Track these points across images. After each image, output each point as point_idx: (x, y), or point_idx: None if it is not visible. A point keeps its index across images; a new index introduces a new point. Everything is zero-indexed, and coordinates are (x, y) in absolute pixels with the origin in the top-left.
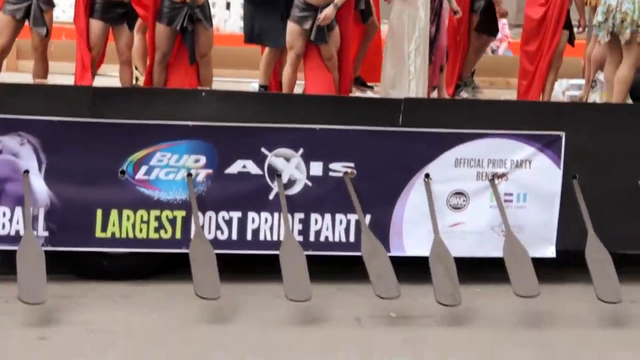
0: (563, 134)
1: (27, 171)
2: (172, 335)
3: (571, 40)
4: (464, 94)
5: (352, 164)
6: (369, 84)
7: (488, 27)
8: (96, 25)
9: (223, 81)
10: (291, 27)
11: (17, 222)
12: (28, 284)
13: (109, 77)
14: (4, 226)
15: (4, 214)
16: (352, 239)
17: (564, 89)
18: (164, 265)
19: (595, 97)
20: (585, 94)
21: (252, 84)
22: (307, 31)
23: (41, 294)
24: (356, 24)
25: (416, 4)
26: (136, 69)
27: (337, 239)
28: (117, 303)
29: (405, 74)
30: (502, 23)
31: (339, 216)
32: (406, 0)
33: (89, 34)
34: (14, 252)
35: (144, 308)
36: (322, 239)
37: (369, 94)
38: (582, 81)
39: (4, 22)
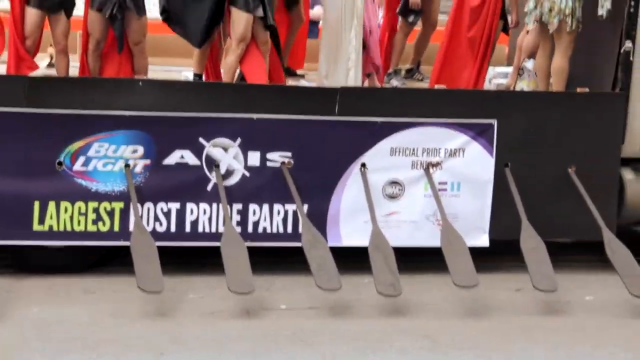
0: (495, 122)
1: None
2: (118, 329)
3: (505, 29)
4: (394, 82)
5: (289, 154)
6: (297, 72)
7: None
8: (33, 13)
9: (153, 70)
10: (244, 16)
11: None
12: None
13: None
14: None
15: None
16: (290, 229)
17: (490, 77)
18: (103, 258)
19: (522, 86)
20: (512, 82)
21: (183, 73)
22: (259, 19)
23: None
24: (281, 13)
25: None
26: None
27: (275, 230)
28: (61, 296)
29: (342, 62)
30: None
31: (277, 206)
32: None
33: (24, 23)
34: None
35: (87, 301)
36: (260, 230)
37: (302, 82)
38: (507, 69)
39: None
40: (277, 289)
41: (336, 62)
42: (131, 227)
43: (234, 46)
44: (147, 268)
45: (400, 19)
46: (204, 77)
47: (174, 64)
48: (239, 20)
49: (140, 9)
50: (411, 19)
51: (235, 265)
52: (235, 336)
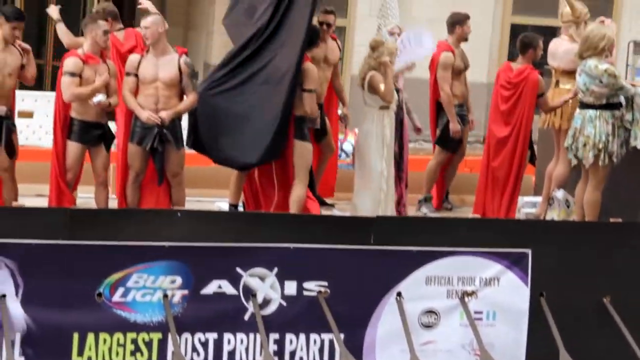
0: (530, 252)
1: (3, 295)
2: None
3: (532, 159)
4: (424, 210)
5: (325, 283)
6: (327, 201)
7: (449, 143)
8: (74, 146)
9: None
10: (309, 146)
11: None
12: None
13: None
14: None
15: None
16: (326, 359)
17: (519, 206)
18: None
19: (553, 215)
20: (542, 212)
21: (216, 203)
22: None
23: None
24: (312, 143)
25: (382, 123)
26: None
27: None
28: None
29: (375, 192)
30: None
31: (313, 336)
32: (373, 120)
33: (65, 156)
34: None
35: None
36: (296, 359)
37: (334, 212)
38: (536, 198)
39: None
40: None
41: (372, 192)
42: (169, 358)
43: (302, 177)
44: None
45: (437, 147)
46: (241, 207)
47: (205, 195)
48: (307, 152)
49: (179, 141)
50: (451, 148)
51: None
52: None
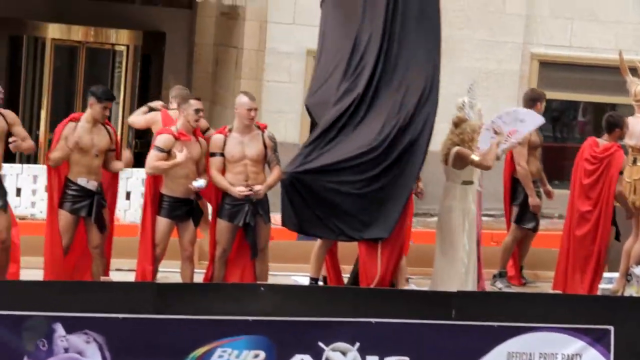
0: (612, 329)
1: None
2: None
3: (617, 236)
4: (499, 285)
5: (407, 358)
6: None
7: (528, 220)
8: (163, 222)
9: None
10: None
11: None
12: None
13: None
14: None
15: None
16: None
17: None
18: None
19: (631, 292)
20: (619, 287)
21: (292, 278)
22: None
23: None
24: None
25: (466, 199)
26: None
27: None
28: None
29: (457, 267)
30: None
31: None
32: (455, 196)
33: (154, 231)
34: None
35: None
36: None
37: (411, 286)
38: (612, 274)
39: (66, 220)
40: None
41: (452, 267)
42: None
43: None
44: None
45: (513, 225)
46: (322, 281)
47: (280, 270)
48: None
49: (268, 214)
50: (531, 225)
51: None
52: None
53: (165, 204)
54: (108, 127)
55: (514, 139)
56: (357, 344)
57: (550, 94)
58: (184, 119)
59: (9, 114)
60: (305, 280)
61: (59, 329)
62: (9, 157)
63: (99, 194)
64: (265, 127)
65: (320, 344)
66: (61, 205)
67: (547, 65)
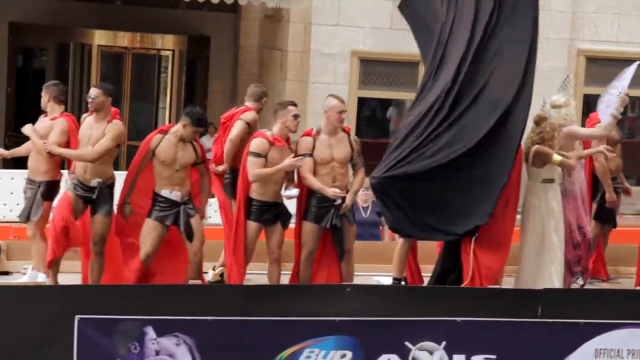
0: None
1: None
2: None
3: None
4: (580, 282)
5: (494, 356)
6: None
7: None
8: (252, 226)
9: None
10: None
11: None
12: None
13: None
14: None
15: None
16: None
17: None
18: None
19: None
20: None
21: (374, 278)
22: None
23: None
24: None
25: (547, 197)
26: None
27: None
28: None
29: (545, 265)
30: None
31: None
32: (537, 195)
33: (246, 235)
34: None
35: None
36: None
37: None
38: None
39: (151, 227)
40: None
41: (540, 265)
42: None
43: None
44: None
45: (594, 222)
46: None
47: (361, 270)
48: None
49: (353, 215)
50: (610, 222)
51: None
52: None
53: (254, 208)
54: (195, 143)
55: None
56: (444, 343)
57: (598, 90)
58: (281, 125)
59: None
60: (387, 280)
61: (150, 332)
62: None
63: (185, 203)
64: (350, 129)
65: (407, 343)
66: (149, 215)
67: (594, 61)
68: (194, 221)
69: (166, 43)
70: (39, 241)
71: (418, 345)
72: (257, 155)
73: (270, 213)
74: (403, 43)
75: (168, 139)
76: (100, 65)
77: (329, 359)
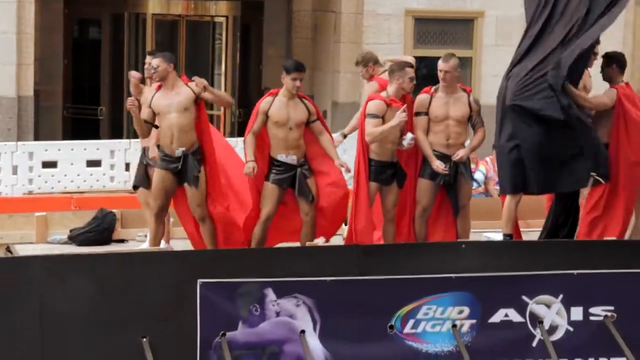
0: None
1: (303, 331)
2: None
3: None
4: None
5: (611, 308)
6: None
7: None
8: (371, 186)
9: None
10: None
11: None
12: None
13: None
14: None
15: None
16: None
17: None
18: None
19: None
20: None
21: (484, 234)
22: None
23: None
24: None
25: None
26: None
27: None
28: None
29: None
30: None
31: None
32: None
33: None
34: None
35: None
36: None
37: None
38: None
39: (270, 191)
40: None
41: None
42: None
43: None
44: None
45: None
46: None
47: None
48: None
49: (469, 173)
50: None
51: None
52: None
53: (372, 168)
54: (305, 100)
55: None
56: (561, 296)
57: None
58: (397, 86)
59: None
60: (497, 237)
61: (270, 294)
62: (117, 133)
63: (301, 166)
64: (471, 90)
65: (524, 297)
66: (267, 178)
67: None
68: (309, 182)
69: (220, 9)
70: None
71: (535, 299)
72: (375, 116)
73: (387, 173)
74: (457, 0)
75: (279, 100)
76: (154, 34)
77: (447, 315)
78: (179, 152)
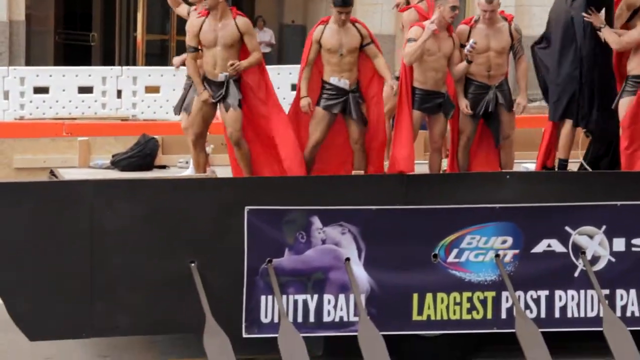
0: None
1: (348, 259)
2: None
3: None
4: None
5: None
6: None
7: None
8: (415, 114)
9: None
10: None
11: (341, 309)
12: None
13: None
14: (329, 313)
15: (329, 301)
16: None
17: None
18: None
19: None
20: None
21: (522, 165)
22: None
23: None
24: None
25: None
26: None
27: None
28: None
29: None
30: None
31: None
32: None
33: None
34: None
35: None
36: (628, 314)
37: None
38: None
39: (321, 116)
40: None
41: None
42: (503, 315)
43: None
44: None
45: None
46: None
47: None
48: None
49: (510, 103)
50: None
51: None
52: None
53: (417, 96)
54: (357, 24)
55: None
56: (604, 227)
57: None
58: (439, 14)
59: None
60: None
61: (317, 222)
62: (109, 60)
63: (354, 92)
64: (512, 18)
65: (567, 228)
66: (317, 103)
67: None
68: (362, 108)
69: None
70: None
71: (578, 229)
72: (414, 40)
73: (432, 102)
74: None
75: (330, 28)
76: None
77: (490, 245)
78: (222, 76)
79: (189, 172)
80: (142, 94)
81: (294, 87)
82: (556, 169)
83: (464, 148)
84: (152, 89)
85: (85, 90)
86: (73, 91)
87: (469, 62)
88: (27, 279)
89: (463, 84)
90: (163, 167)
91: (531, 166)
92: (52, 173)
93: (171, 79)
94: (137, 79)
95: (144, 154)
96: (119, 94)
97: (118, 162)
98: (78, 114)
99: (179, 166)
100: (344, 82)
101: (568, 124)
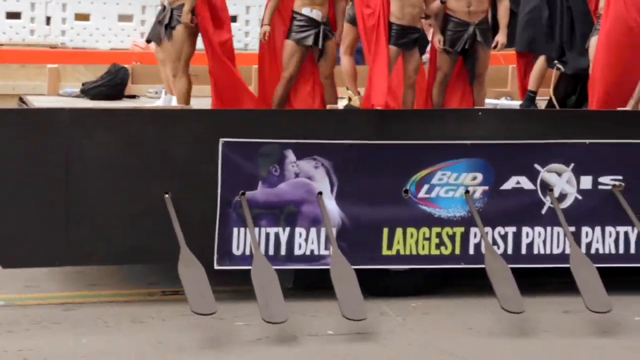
0: None
1: (320, 192)
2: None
3: None
4: None
5: (620, 177)
6: None
7: None
8: (392, 50)
9: None
10: None
11: (312, 242)
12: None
13: None
14: (300, 246)
15: (300, 235)
16: (621, 250)
17: None
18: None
19: None
20: None
21: (501, 99)
22: None
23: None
24: None
25: None
26: (347, 89)
27: (607, 251)
28: (50, 329)
29: None
30: None
31: (608, 228)
32: None
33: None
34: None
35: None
36: (592, 251)
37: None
38: None
39: (293, 50)
40: None
41: None
42: (471, 251)
43: None
44: (506, 289)
45: None
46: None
47: None
48: None
49: (488, 42)
50: None
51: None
52: None
53: (394, 32)
54: None
55: None
56: (572, 165)
57: None
58: None
59: None
60: (508, 103)
61: (290, 155)
62: None
63: (325, 24)
64: None
65: (536, 165)
66: (288, 36)
67: None
68: (330, 44)
69: None
70: None
71: (547, 167)
72: None
73: (408, 37)
74: None
75: None
76: None
77: (460, 181)
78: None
79: (160, 102)
80: (72, 22)
81: None
82: (524, 100)
83: (439, 84)
84: (82, 17)
85: (13, 15)
86: (1, 17)
87: (443, 2)
88: (1, 207)
89: (441, 20)
90: (133, 96)
91: (506, 102)
92: (21, 100)
93: (101, 7)
94: (67, 5)
95: (114, 83)
96: (48, 20)
97: (88, 91)
98: (5, 40)
99: (149, 96)
100: (316, 13)
101: (542, 57)
